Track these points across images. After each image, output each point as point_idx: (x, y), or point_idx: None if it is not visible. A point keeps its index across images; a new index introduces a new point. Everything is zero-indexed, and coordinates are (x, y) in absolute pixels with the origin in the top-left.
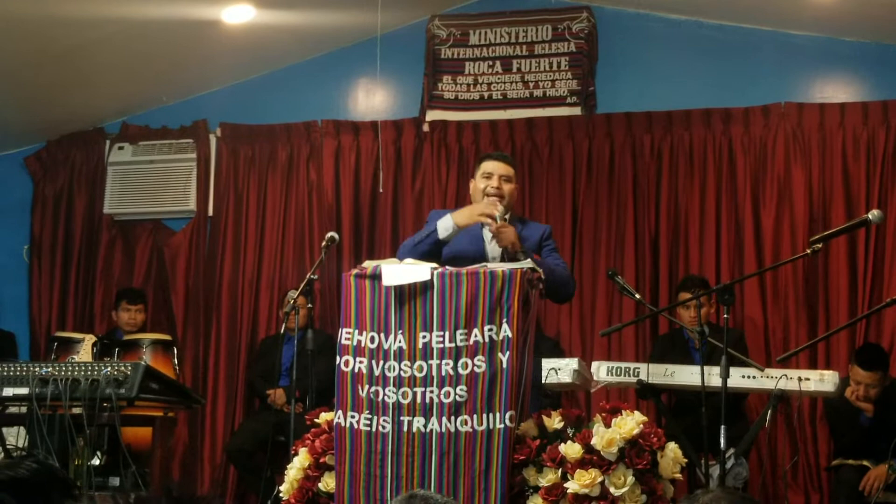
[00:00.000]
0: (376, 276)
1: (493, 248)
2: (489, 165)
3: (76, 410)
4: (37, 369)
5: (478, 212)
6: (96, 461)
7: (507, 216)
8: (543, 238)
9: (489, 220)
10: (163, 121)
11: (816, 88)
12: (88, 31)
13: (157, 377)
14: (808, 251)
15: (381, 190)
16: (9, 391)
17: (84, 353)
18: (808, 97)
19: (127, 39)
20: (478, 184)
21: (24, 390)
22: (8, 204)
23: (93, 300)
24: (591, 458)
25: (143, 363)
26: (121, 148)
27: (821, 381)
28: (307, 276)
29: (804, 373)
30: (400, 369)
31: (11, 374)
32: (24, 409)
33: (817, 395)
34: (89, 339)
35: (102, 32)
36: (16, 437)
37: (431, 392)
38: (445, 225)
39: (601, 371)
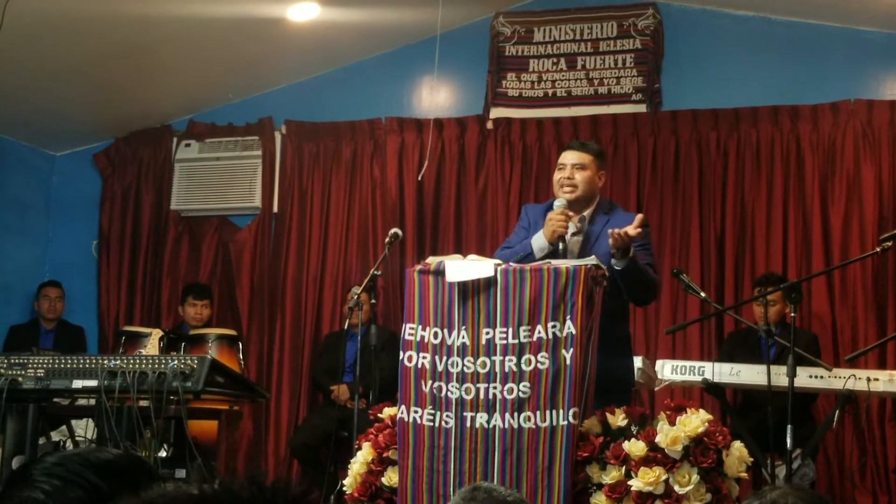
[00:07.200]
0: (440, 272)
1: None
2: (563, 157)
3: (143, 403)
4: (105, 362)
5: (550, 230)
6: (163, 453)
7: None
8: None
9: (563, 230)
10: (229, 118)
11: (887, 85)
12: (156, 30)
13: (223, 371)
14: (878, 249)
15: (419, 178)
16: (78, 383)
17: (151, 347)
18: (878, 94)
19: (194, 38)
20: (554, 176)
21: (93, 382)
22: (77, 200)
23: (160, 295)
24: (656, 456)
25: (209, 357)
26: (188, 145)
27: (890, 381)
28: (371, 273)
29: (873, 373)
30: (463, 365)
31: (81, 366)
32: (92, 402)
33: (886, 395)
34: (156, 334)
35: (169, 31)
36: (84, 428)
37: (494, 388)
38: (540, 245)
39: (666, 369)
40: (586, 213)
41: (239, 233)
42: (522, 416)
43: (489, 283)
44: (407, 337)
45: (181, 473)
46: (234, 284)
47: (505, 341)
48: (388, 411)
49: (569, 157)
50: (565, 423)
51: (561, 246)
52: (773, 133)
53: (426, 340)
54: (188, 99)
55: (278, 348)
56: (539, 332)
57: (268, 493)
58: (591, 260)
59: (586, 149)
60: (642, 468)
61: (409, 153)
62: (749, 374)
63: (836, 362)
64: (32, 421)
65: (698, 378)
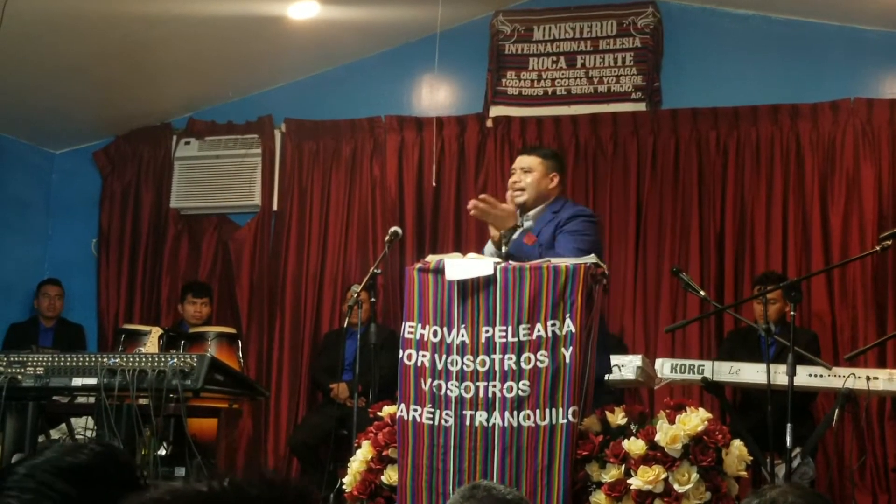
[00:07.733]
0: (439, 271)
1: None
2: (515, 162)
3: (143, 401)
4: (105, 360)
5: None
6: (162, 451)
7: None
8: (560, 224)
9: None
10: (229, 116)
11: (886, 84)
12: (156, 28)
13: (223, 369)
14: (878, 248)
15: (434, 183)
16: (78, 381)
17: (150, 345)
18: (877, 93)
19: (193, 36)
20: None
21: (92, 381)
22: (77, 198)
23: (159, 293)
24: (655, 455)
25: (208, 355)
26: (187, 143)
27: (890, 380)
28: (370, 271)
29: (873, 372)
30: (462, 363)
31: (80, 364)
32: (92, 400)
33: (886, 394)
34: (156, 332)
35: (169, 29)
36: (83, 426)
37: (494, 386)
38: (490, 250)
39: (665, 368)
40: (532, 212)
41: (238, 231)
42: (522, 414)
43: (489, 281)
44: (406, 335)
45: (181, 472)
46: (234, 283)
47: (504, 339)
48: (387, 409)
49: (519, 162)
50: (565, 421)
51: (503, 249)
52: (773, 132)
53: (426, 339)
54: (188, 97)
55: (278, 346)
56: (538, 331)
57: (276, 490)
58: (591, 258)
59: (533, 152)
60: (642, 467)
61: (409, 152)
62: (749, 372)
63: (836, 361)
64: (32, 419)
65: (698, 377)
